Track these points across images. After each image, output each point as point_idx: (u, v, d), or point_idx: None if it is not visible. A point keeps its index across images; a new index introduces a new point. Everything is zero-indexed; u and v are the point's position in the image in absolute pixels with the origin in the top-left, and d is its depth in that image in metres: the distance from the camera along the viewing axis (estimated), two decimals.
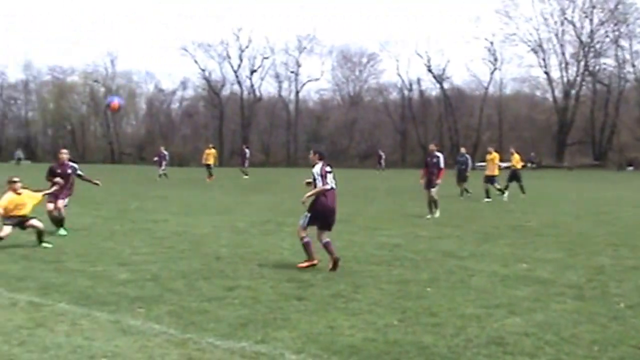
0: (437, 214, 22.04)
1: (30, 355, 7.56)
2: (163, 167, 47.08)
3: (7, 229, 15.23)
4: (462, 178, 31.81)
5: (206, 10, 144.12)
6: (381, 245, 15.85)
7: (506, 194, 30.45)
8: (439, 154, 22.64)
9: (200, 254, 14.39)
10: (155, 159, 49.50)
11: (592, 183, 47.51)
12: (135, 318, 9.09)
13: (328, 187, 12.97)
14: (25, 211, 15.62)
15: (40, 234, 15.54)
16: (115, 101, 14.46)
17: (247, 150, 54.11)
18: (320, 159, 13.25)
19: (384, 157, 69.24)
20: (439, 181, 22.08)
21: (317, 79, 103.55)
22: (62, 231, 17.34)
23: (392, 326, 8.70)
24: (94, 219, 20.80)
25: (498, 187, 30.33)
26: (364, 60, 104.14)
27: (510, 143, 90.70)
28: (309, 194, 12.98)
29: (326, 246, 12.86)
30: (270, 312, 9.38)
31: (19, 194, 15.62)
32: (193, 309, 9.57)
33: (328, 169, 13.21)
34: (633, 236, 17.75)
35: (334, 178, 13.29)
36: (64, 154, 18.42)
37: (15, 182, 15.54)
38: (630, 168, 75.02)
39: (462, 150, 34.06)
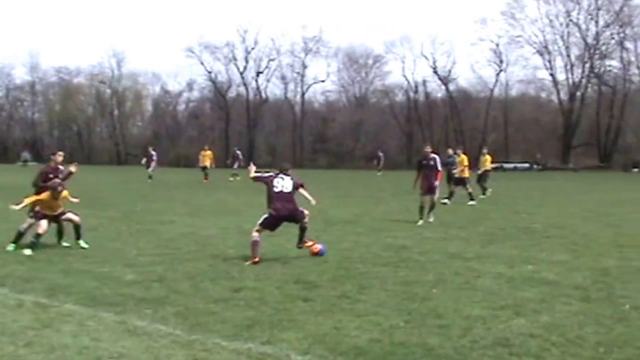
0: (432, 218, 21.32)
1: (36, 357, 7.58)
2: (151, 168, 47.08)
3: (44, 224, 15.25)
4: (450, 179, 31.40)
5: (212, 11, 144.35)
6: (387, 246, 15.85)
7: (474, 202, 29.73)
8: (435, 155, 22.03)
9: (207, 255, 14.43)
10: (144, 160, 49.48)
11: (598, 185, 47.40)
12: (142, 319, 9.13)
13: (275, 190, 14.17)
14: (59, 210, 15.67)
15: (77, 229, 15.59)
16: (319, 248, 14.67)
17: (238, 153, 54.13)
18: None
19: (382, 158, 68.83)
20: (437, 183, 21.68)
21: (322, 81, 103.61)
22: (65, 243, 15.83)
23: (398, 327, 8.72)
24: (100, 220, 20.84)
25: (469, 190, 29.84)
26: (370, 61, 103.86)
27: (515, 145, 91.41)
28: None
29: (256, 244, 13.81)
30: (276, 313, 9.41)
31: (56, 198, 15.50)
32: (199, 310, 9.60)
33: (281, 175, 14.40)
34: (639, 238, 17.71)
35: (286, 184, 14.31)
36: (61, 157, 16.97)
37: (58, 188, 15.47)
38: (636, 170, 74.77)
39: (450, 151, 33.43)
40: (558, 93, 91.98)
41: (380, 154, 69.29)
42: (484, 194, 31.95)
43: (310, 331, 8.53)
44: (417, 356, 7.61)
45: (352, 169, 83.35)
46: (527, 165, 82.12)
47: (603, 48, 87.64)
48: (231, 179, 48.27)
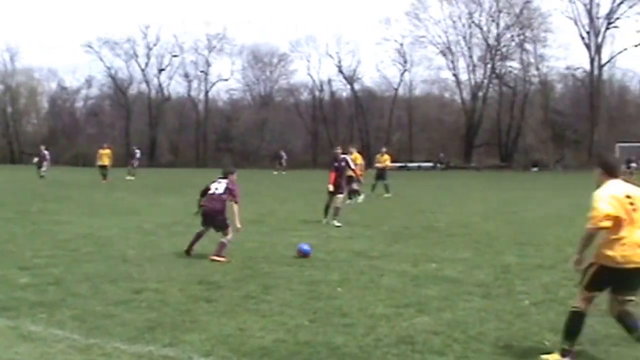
0: (338, 222, 20.41)
1: None
2: (44, 168, 46.14)
3: None
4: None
5: (112, 6, 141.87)
6: (292, 245, 15.65)
7: (362, 196, 29.29)
8: (345, 156, 22.05)
9: (106, 256, 14.09)
10: (35, 159, 48.52)
11: (499, 184, 48.39)
12: (36, 324, 8.82)
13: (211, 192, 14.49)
14: None
15: None
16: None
17: (137, 152, 53.30)
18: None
19: (285, 157, 68.63)
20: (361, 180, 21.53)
21: (226, 79, 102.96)
22: None
23: (303, 327, 8.67)
24: None
25: (356, 187, 29.63)
26: (275, 60, 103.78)
27: (419, 144, 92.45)
28: None
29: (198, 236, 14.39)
30: (178, 315, 9.24)
31: None
32: (98, 313, 9.34)
33: (219, 180, 14.71)
34: (538, 235, 18.08)
35: (219, 187, 14.57)
36: None
37: None
38: (535, 169, 76.56)
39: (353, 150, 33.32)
40: (461, 93, 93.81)
41: (282, 153, 69.13)
42: (387, 191, 32.18)
43: (213, 332, 8.40)
44: (322, 355, 7.57)
45: (257, 168, 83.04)
46: (430, 164, 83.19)
47: (504, 49, 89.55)
48: (132, 177, 47.63)
